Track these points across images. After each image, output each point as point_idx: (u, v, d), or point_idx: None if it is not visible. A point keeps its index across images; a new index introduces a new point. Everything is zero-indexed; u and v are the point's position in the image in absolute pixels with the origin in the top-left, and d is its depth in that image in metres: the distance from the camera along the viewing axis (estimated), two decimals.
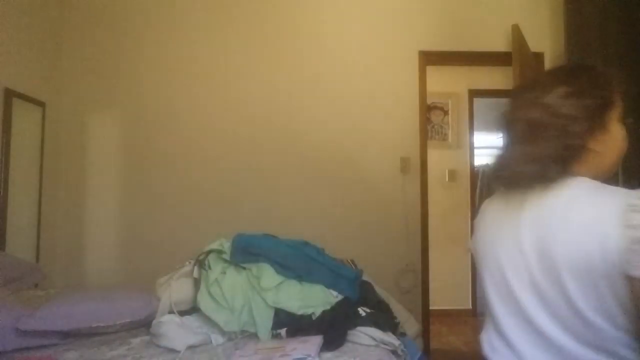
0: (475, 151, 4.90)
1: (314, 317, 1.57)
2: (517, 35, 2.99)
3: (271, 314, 1.58)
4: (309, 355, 1.30)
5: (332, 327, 1.52)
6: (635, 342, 0.87)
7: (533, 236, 0.94)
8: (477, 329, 4.26)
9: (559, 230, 0.90)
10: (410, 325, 2.21)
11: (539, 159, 0.96)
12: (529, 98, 1.05)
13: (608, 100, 1.03)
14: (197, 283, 1.69)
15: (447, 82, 4.70)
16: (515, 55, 2.95)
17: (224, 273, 1.69)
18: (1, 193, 2.58)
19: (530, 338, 0.96)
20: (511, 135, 1.07)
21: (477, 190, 5.16)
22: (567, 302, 0.88)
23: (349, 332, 1.54)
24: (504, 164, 1.05)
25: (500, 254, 1.02)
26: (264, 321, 1.56)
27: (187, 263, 1.85)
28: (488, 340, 1.06)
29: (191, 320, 1.59)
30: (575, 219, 0.88)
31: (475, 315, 4.61)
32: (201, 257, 1.78)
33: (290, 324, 1.55)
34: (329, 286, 1.70)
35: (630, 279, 0.80)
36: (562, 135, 0.96)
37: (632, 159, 1.92)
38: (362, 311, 1.62)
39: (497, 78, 4.49)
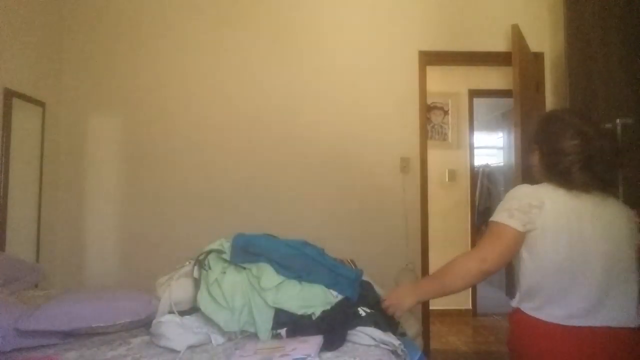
0: (475, 151, 4.91)
1: (314, 317, 1.57)
2: (517, 35, 2.99)
3: (271, 314, 1.57)
4: (309, 355, 1.30)
5: (332, 327, 1.52)
6: None
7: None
8: (477, 329, 4.28)
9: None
10: (410, 325, 2.21)
11: None
12: None
13: None
14: (197, 283, 1.69)
15: (447, 82, 4.71)
16: (515, 55, 2.95)
17: (224, 273, 1.69)
18: (1, 193, 2.58)
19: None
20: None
21: (477, 190, 5.16)
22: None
23: (349, 332, 1.54)
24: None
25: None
26: (264, 321, 1.56)
27: (187, 263, 1.85)
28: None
29: (191, 320, 1.59)
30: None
31: (475, 315, 4.61)
32: (201, 257, 1.78)
33: (290, 324, 1.55)
34: (329, 286, 1.69)
35: None
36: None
37: (632, 159, 1.92)
38: (362, 311, 1.62)
39: (497, 78, 4.50)
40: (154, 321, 1.59)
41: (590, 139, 1.38)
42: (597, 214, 1.39)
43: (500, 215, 1.43)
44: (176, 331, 1.52)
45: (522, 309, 1.45)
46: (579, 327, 1.33)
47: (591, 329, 1.33)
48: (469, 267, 1.45)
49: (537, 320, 1.39)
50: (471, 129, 4.84)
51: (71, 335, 1.58)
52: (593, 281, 1.34)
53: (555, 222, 1.37)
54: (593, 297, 1.34)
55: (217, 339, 1.55)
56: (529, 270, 1.42)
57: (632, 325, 1.35)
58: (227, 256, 1.75)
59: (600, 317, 1.33)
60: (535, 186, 1.47)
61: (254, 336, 1.56)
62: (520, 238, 1.40)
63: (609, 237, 1.38)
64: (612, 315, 1.34)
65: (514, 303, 1.48)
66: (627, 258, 1.39)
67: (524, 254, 1.42)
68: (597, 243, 1.36)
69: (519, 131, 2.82)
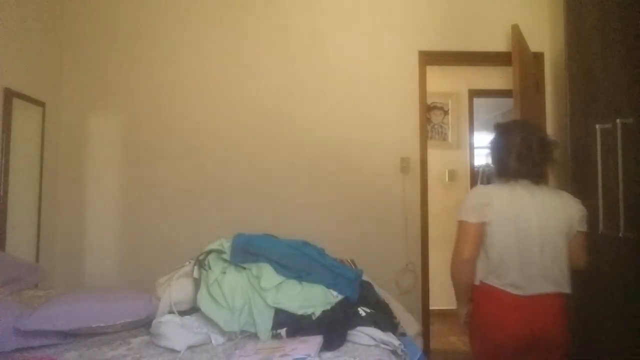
0: (475, 151, 4.90)
1: (314, 317, 1.57)
2: (517, 35, 2.99)
3: (271, 314, 1.58)
4: (309, 355, 1.30)
5: (332, 327, 1.52)
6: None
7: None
8: None
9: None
10: (410, 325, 2.21)
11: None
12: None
13: None
14: (197, 283, 1.69)
15: (447, 82, 4.70)
16: (515, 56, 2.95)
17: (224, 273, 1.69)
18: (1, 193, 2.58)
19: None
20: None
21: None
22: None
23: (349, 332, 1.54)
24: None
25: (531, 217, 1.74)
26: (264, 321, 1.56)
27: (187, 263, 1.85)
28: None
29: (191, 320, 1.59)
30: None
31: None
32: (201, 257, 1.78)
33: (290, 324, 1.55)
34: (329, 286, 1.70)
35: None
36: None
37: (632, 159, 1.92)
38: (362, 311, 1.62)
39: (497, 78, 4.50)
40: (154, 321, 1.59)
41: (523, 138, 1.81)
42: (537, 205, 1.76)
43: (460, 214, 1.81)
44: (176, 331, 1.52)
45: (484, 282, 1.80)
46: (523, 296, 1.72)
47: (531, 297, 1.72)
48: (456, 265, 1.81)
49: (493, 288, 1.76)
50: (471, 129, 4.84)
51: (71, 335, 1.59)
52: (535, 259, 1.73)
53: (502, 215, 1.75)
54: (534, 271, 1.73)
55: (217, 339, 1.55)
56: (489, 252, 1.77)
57: (565, 291, 1.77)
58: (227, 256, 1.75)
59: (539, 287, 1.73)
60: (486, 186, 1.94)
61: (254, 336, 1.57)
62: (480, 228, 1.77)
63: (547, 223, 1.75)
64: (549, 283, 1.74)
65: (478, 279, 1.81)
66: (561, 239, 1.77)
67: (486, 240, 1.77)
68: (538, 229, 1.74)
69: None
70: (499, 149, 1.88)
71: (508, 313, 1.73)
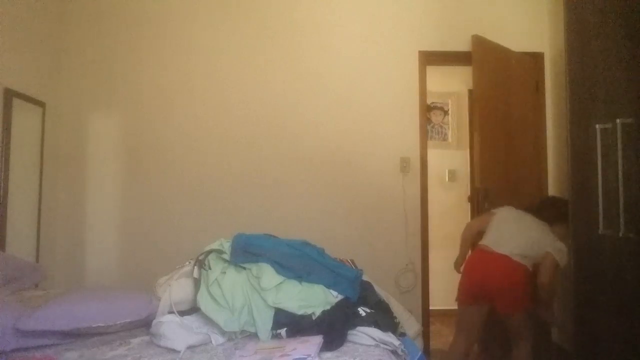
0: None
1: (314, 317, 1.57)
2: (477, 43, 3.07)
3: (271, 314, 1.57)
4: (309, 355, 1.30)
5: (332, 327, 1.52)
6: None
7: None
8: None
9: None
10: (410, 325, 2.21)
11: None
12: None
13: None
14: (197, 283, 1.69)
15: (447, 82, 4.70)
16: (476, 69, 3.07)
17: (224, 273, 1.69)
18: (1, 193, 2.58)
19: None
20: None
21: None
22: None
23: (349, 332, 1.54)
24: None
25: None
26: (264, 321, 1.56)
27: (187, 263, 1.85)
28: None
29: (191, 320, 1.59)
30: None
31: None
32: (201, 257, 1.78)
33: (290, 324, 1.55)
34: (329, 286, 1.70)
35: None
36: None
37: (632, 160, 1.92)
38: (362, 311, 1.62)
39: None
40: (154, 321, 1.59)
41: None
42: (519, 220, 2.63)
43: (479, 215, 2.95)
44: (176, 331, 1.52)
45: (478, 244, 2.66)
46: (490, 251, 2.53)
47: (495, 254, 2.50)
48: (467, 230, 2.84)
49: (478, 246, 2.64)
50: (471, 129, 4.83)
51: (71, 335, 1.58)
52: (514, 237, 2.55)
53: (498, 220, 2.64)
54: (507, 239, 2.53)
55: (217, 339, 1.55)
56: (489, 226, 2.66)
57: (523, 263, 2.46)
58: (227, 256, 1.75)
59: (506, 250, 2.49)
60: (503, 207, 2.75)
61: (254, 336, 1.57)
62: (485, 219, 2.74)
63: (522, 230, 2.57)
64: (515, 253, 2.48)
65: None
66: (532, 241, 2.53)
67: (487, 227, 2.67)
68: (515, 232, 2.57)
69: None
70: None
71: (475, 262, 2.59)
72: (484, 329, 2.67)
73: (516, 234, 2.53)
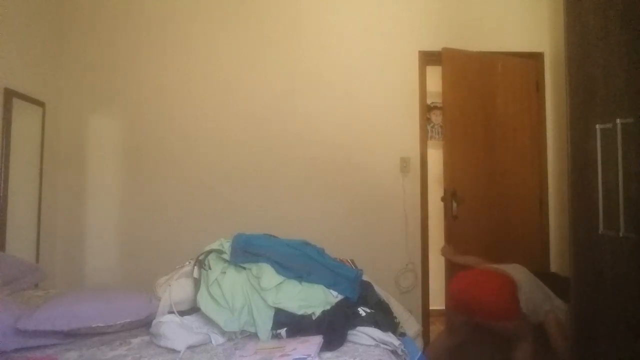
0: None
1: (314, 317, 1.57)
2: (447, 56, 3.18)
3: (271, 314, 1.57)
4: (309, 355, 1.30)
5: (332, 327, 1.52)
6: None
7: None
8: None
9: None
10: (410, 325, 2.21)
11: None
12: None
13: None
14: (197, 283, 1.69)
15: None
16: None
17: (224, 273, 1.69)
18: (1, 193, 2.57)
19: None
20: None
21: None
22: None
23: (349, 332, 1.54)
24: None
25: None
26: (264, 321, 1.56)
27: (187, 263, 1.85)
28: None
29: (191, 320, 1.59)
30: None
31: None
32: (201, 257, 1.78)
33: (290, 324, 1.55)
34: (329, 286, 1.69)
35: None
36: None
37: (632, 160, 1.92)
38: (362, 311, 1.62)
39: None
40: (154, 321, 1.59)
41: None
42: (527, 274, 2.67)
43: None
44: (176, 331, 1.52)
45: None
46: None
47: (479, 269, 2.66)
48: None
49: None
50: None
51: (71, 335, 1.58)
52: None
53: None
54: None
55: (217, 339, 1.55)
56: None
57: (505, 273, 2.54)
58: (227, 256, 1.75)
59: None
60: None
61: (254, 336, 1.57)
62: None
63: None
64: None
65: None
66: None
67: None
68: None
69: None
70: None
71: (461, 277, 2.63)
72: (473, 331, 2.69)
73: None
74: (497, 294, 2.43)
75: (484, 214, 3.25)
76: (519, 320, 2.47)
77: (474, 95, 3.31)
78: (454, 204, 3.13)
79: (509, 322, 2.46)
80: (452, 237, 3.15)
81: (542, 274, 2.83)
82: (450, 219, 3.14)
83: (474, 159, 3.27)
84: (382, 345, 1.49)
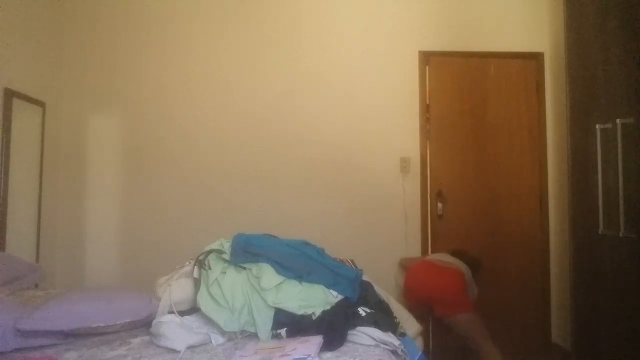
0: None
1: (314, 317, 1.57)
2: (422, 59, 3.28)
3: (271, 314, 1.57)
4: (309, 355, 1.30)
5: (332, 327, 1.52)
6: None
7: None
8: None
9: None
10: (410, 325, 2.21)
11: None
12: None
13: None
14: (197, 283, 1.69)
15: None
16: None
17: (224, 273, 1.69)
18: (1, 193, 2.58)
19: None
20: None
21: None
22: None
23: (349, 332, 1.54)
24: None
25: None
26: (264, 321, 1.56)
27: (187, 263, 1.85)
28: None
29: (191, 320, 1.59)
30: None
31: None
32: (201, 257, 1.78)
33: (290, 324, 1.55)
34: (329, 286, 1.69)
35: None
36: None
37: (632, 160, 1.92)
38: (362, 311, 1.62)
39: None
40: (154, 321, 1.59)
41: None
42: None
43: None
44: (176, 331, 1.52)
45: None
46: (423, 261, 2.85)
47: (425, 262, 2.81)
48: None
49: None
50: None
51: (71, 335, 1.58)
52: None
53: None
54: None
55: (217, 339, 1.55)
56: None
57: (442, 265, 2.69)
58: (227, 256, 1.75)
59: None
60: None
61: (254, 336, 1.56)
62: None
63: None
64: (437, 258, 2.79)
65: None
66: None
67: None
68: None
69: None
70: None
71: (412, 271, 2.78)
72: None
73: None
74: (452, 288, 2.55)
75: (474, 214, 3.32)
76: (469, 315, 2.53)
77: (463, 97, 3.37)
78: (439, 204, 3.29)
79: (461, 314, 2.53)
80: (437, 236, 3.30)
81: (456, 252, 2.92)
82: (435, 218, 3.30)
83: (463, 160, 3.37)
84: (382, 345, 1.49)
